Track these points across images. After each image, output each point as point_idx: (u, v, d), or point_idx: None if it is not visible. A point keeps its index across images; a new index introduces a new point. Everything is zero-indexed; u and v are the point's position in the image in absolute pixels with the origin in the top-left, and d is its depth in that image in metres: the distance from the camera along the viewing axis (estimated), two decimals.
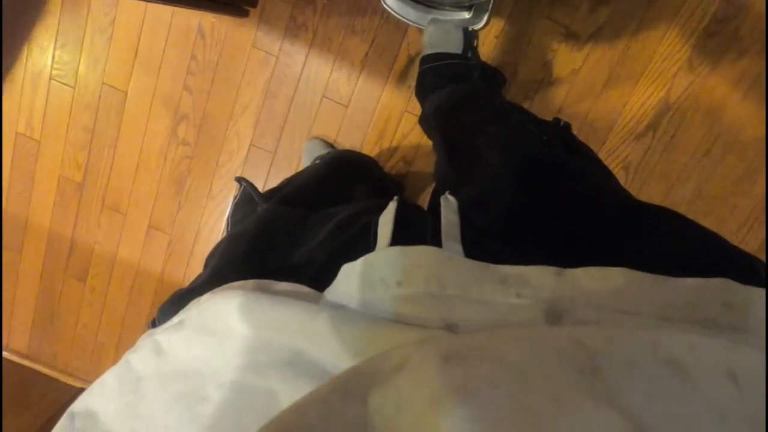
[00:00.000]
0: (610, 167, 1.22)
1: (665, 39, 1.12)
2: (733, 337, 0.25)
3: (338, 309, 0.30)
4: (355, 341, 0.26)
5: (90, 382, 0.31)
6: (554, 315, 0.26)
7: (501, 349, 0.20)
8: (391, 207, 0.39)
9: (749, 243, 1.21)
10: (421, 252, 0.31)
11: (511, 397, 0.17)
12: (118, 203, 1.45)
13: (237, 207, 0.63)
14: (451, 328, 0.27)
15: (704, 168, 1.18)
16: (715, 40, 1.10)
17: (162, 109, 1.34)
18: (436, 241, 0.34)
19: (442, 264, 0.30)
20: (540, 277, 0.28)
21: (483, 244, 0.34)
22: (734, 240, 1.22)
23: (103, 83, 1.34)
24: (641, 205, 0.41)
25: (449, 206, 0.38)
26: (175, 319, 0.32)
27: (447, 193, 0.41)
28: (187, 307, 0.33)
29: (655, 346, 0.20)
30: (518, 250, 0.34)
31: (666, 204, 1.32)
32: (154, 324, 0.39)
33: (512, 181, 0.46)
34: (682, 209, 1.20)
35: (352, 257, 0.33)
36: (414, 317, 0.28)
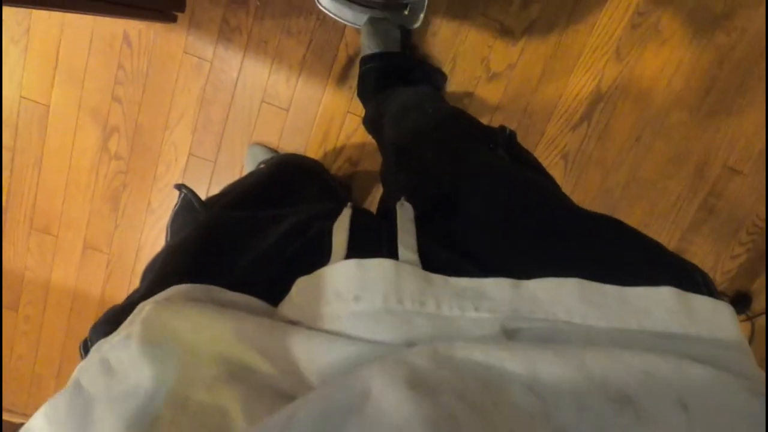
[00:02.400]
0: (551, 157, 1.27)
1: (594, 31, 1.16)
2: (681, 346, 0.25)
3: (294, 325, 0.29)
4: (312, 361, 0.26)
5: (30, 416, 0.28)
6: (511, 330, 0.27)
7: (462, 385, 0.21)
8: (346, 214, 0.38)
9: (680, 223, 1.29)
10: (379, 265, 0.30)
11: None
12: (48, 225, 1.36)
13: (176, 215, 0.59)
14: (408, 345, 0.26)
15: (636, 154, 1.24)
16: (638, 32, 1.16)
17: (90, 123, 1.26)
18: (392, 250, 0.33)
19: (400, 278, 0.29)
20: (497, 290, 0.28)
21: (438, 255, 0.34)
22: (666, 221, 1.29)
23: (21, 97, 1.24)
24: (585, 214, 0.41)
25: (405, 213, 0.38)
26: (122, 333, 0.30)
27: (403, 198, 0.40)
28: (130, 319, 0.31)
29: (605, 384, 0.21)
30: (472, 261, 0.34)
31: (602, 190, 1.36)
32: (86, 345, 0.36)
33: (462, 189, 0.46)
34: (617, 194, 1.26)
35: (306, 268, 0.32)
36: (371, 333, 0.27)
